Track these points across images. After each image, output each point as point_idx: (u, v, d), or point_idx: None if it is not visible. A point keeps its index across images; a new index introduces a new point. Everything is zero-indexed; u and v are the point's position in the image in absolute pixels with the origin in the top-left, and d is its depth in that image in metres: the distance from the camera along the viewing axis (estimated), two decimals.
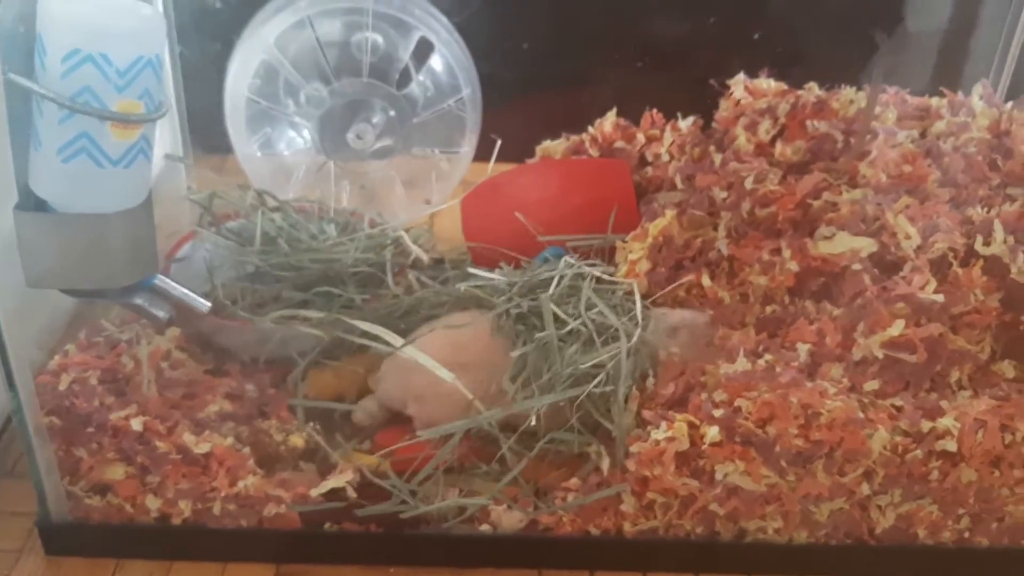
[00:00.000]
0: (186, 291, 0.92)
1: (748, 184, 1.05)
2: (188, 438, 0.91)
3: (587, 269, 1.03)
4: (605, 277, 1.03)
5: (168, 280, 0.92)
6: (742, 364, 0.94)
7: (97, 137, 0.79)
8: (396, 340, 0.95)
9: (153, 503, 0.93)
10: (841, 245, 0.99)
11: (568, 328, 0.95)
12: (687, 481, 0.91)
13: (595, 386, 0.91)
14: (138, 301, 0.90)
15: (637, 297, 1.01)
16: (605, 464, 0.93)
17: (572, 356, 0.93)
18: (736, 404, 0.90)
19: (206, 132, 1.36)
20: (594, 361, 0.91)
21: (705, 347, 0.99)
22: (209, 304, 0.93)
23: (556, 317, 0.95)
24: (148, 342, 0.98)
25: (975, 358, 0.97)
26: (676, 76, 1.41)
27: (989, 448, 0.90)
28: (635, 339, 0.96)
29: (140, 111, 0.80)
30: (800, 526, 0.95)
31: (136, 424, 0.90)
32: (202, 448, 0.91)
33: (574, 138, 1.29)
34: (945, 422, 0.90)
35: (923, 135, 1.13)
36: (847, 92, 1.15)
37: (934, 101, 1.18)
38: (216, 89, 1.30)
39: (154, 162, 0.85)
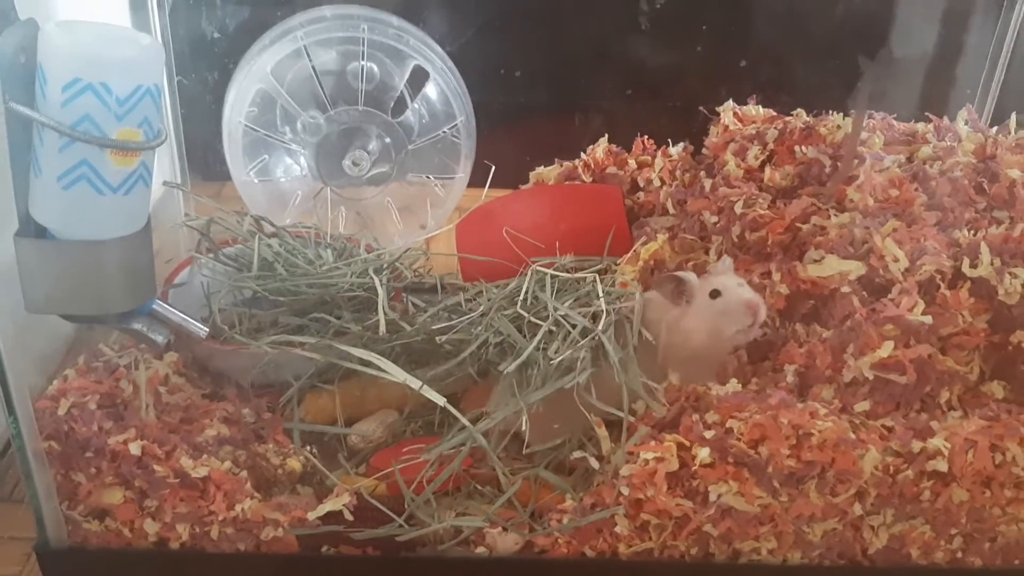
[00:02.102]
0: (184, 316, 0.93)
1: (738, 209, 1.06)
2: (186, 462, 0.91)
3: (547, 271, 1.04)
4: (565, 275, 1.04)
5: (166, 305, 0.93)
6: (732, 385, 0.95)
7: (97, 165, 0.81)
8: (388, 366, 0.96)
9: (151, 527, 0.93)
10: (830, 268, 1.01)
11: (539, 334, 0.96)
12: (681, 502, 0.92)
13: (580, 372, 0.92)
14: (137, 326, 0.91)
15: (598, 286, 1.02)
16: (595, 465, 0.94)
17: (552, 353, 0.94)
18: (728, 425, 0.91)
19: (204, 159, 1.37)
20: (562, 356, 0.92)
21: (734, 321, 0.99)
22: (207, 329, 0.94)
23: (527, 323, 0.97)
24: (146, 367, 0.99)
25: (964, 379, 0.98)
26: (666, 103, 1.44)
27: (980, 468, 0.91)
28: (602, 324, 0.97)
29: (139, 139, 0.82)
30: (794, 547, 0.96)
31: (134, 448, 0.90)
32: (200, 472, 0.91)
33: (567, 164, 1.31)
34: (935, 442, 0.91)
35: (910, 160, 1.15)
36: (834, 118, 1.18)
37: (920, 126, 1.20)
38: (214, 117, 1.32)
39: (152, 189, 0.87)
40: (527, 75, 1.50)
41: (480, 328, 0.99)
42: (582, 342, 0.94)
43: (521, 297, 1.00)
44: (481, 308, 1.02)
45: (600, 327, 0.95)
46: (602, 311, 0.97)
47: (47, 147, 0.80)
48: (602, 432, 0.95)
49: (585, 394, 0.93)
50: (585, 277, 1.03)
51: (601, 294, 1.00)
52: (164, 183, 1.23)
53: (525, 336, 0.97)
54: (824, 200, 1.05)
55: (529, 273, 1.03)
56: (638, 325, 0.99)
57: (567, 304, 0.99)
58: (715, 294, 0.98)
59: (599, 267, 1.08)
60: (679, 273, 1.00)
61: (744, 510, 0.92)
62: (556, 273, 1.03)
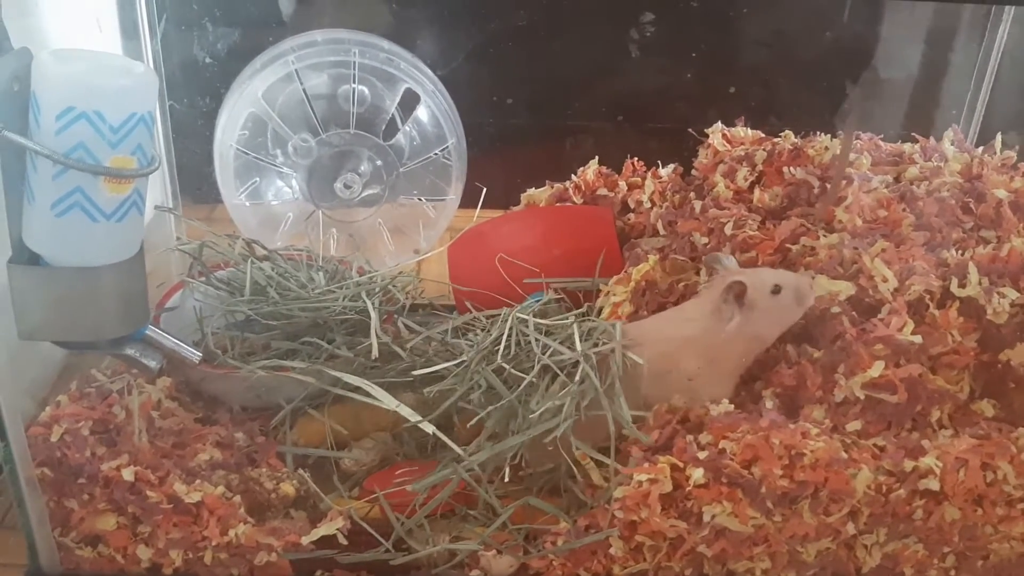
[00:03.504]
0: (177, 341, 0.93)
1: (728, 230, 1.07)
2: (179, 487, 0.91)
3: (525, 316, 1.03)
4: (547, 322, 1.03)
5: (159, 331, 0.93)
6: (725, 406, 0.96)
7: (90, 192, 0.81)
8: (378, 392, 0.96)
9: (144, 553, 0.93)
10: (820, 288, 1.01)
11: (525, 382, 0.95)
12: (675, 523, 0.92)
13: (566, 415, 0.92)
14: (130, 352, 0.91)
15: (576, 333, 1.00)
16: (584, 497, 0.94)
17: (540, 399, 0.94)
18: (721, 446, 0.91)
19: (196, 183, 1.38)
20: (544, 407, 0.92)
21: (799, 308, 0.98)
22: (200, 355, 0.94)
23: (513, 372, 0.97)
24: (139, 392, 0.99)
25: (955, 398, 0.99)
26: (656, 126, 1.45)
27: (971, 487, 0.92)
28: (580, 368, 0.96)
29: (133, 166, 0.82)
30: (788, 567, 0.96)
31: (127, 474, 0.90)
32: (193, 497, 0.91)
33: (558, 186, 1.32)
34: (927, 461, 0.91)
35: (897, 180, 1.16)
36: (822, 139, 1.19)
37: (907, 146, 1.22)
38: (206, 141, 1.32)
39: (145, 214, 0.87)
40: (518, 98, 1.51)
41: (465, 378, 0.99)
42: (562, 392, 0.94)
43: (502, 348, 0.99)
44: (464, 358, 1.01)
45: (578, 376, 0.95)
46: (584, 356, 0.97)
47: (41, 175, 0.80)
48: (589, 464, 0.95)
49: (571, 435, 0.93)
50: (567, 319, 1.02)
51: (579, 342, 0.98)
52: (156, 207, 1.23)
53: (510, 387, 0.96)
54: (813, 221, 1.06)
55: (510, 321, 1.01)
56: (620, 356, 0.98)
57: (549, 352, 0.98)
58: (777, 289, 0.97)
59: (580, 311, 1.07)
60: (739, 278, 0.97)
61: (738, 530, 0.92)
62: (539, 322, 1.02)
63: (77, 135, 0.79)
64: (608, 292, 1.12)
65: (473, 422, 0.97)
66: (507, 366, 0.97)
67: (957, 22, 1.38)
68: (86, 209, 0.82)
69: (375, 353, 1.02)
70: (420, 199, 1.38)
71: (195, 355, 0.94)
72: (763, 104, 1.32)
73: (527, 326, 1.01)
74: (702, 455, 0.91)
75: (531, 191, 1.33)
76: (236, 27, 1.39)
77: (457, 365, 1.00)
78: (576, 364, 0.96)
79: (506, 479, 0.93)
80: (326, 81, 1.33)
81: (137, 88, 0.82)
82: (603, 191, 1.29)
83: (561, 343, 0.98)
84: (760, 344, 1.00)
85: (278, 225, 1.39)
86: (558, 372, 0.96)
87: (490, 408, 0.95)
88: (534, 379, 0.96)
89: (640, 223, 1.24)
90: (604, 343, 0.98)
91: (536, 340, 0.99)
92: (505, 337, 1.00)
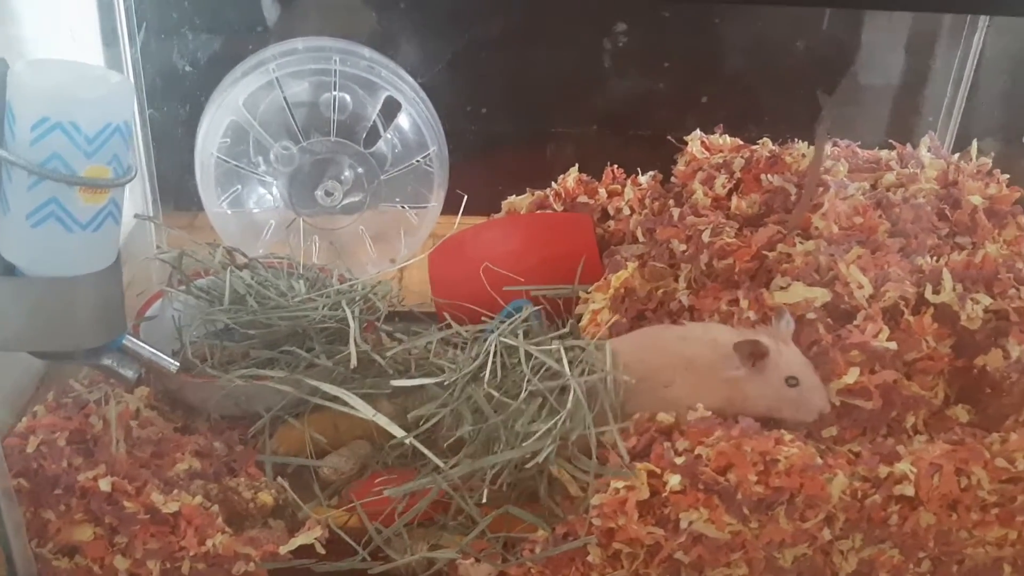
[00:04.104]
0: (154, 351, 0.93)
1: (705, 237, 1.08)
2: (156, 498, 0.91)
3: (511, 341, 1.03)
4: (533, 351, 1.03)
5: (136, 340, 0.92)
6: (701, 411, 0.96)
7: (66, 202, 0.81)
8: (355, 401, 0.96)
9: (121, 563, 0.92)
10: (796, 295, 1.02)
11: (513, 407, 0.96)
12: (652, 530, 0.92)
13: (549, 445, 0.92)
14: (107, 362, 0.91)
15: (564, 359, 1.00)
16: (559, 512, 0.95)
17: (526, 422, 0.95)
18: (697, 452, 0.92)
19: (177, 190, 1.38)
20: (536, 436, 0.93)
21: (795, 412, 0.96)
22: (177, 364, 0.94)
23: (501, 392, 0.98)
24: (117, 402, 0.98)
25: (929, 403, 1.00)
26: (636, 133, 1.45)
27: (946, 492, 0.92)
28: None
29: (109, 176, 0.82)
30: (765, 573, 0.96)
31: (104, 485, 0.90)
32: (170, 507, 0.91)
33: (539, 193, 1.32)
34: (902, 467, 0.92)
35: (874, 187, 1.17)
36: (799, 146, 1.19)
37: (884, 153, 1.23)
38: (187, 148, 1.32)
39: (124, 221, 0.87)
40: (500, 105, 1.52)
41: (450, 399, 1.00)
42: (551, 422, 0.94)
43: (487, 374, 0.99)
44: (446, 377, 1.01)
45: (569, 403, 0.95)
46: (572, 383, 0.97)
47: (16, 185, 0.80)
48: (565, 477, 0.95)
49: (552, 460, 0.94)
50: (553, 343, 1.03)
51: (567, 367, 0.98)
52: (136, 215, 1.23)
53: (495, 410, 0.97)
54: (789, 228, 1.06)
55: (494, 344, 1.02)
56: (610, 372, 0.99)
57: (538, 376, 0.99)
58: (793, 382, 0.95)
59: (565, 331, 1.08)
60: (761, 338, 0.96)
61: (715, 537, 0.93)
62: (528, 348, 1.02)
63: (52, 145, 0.79)
64: (588, 299, 1.13)
65: (454, 438, 0.97)
66: (495, 393, 0.97)
67: (934, 29, 1.39)
68: (62, 219, 0.81)
69: (354, 362, 1.02)
70: (403, 207, 1.39)
71: (172, 365, 0.94)
72: (742, 112, 1.32)
73: (514, 344, 1.01)
74: (679, 460, 0.92)
75: (512, 198, 1.33)
76: (217, 35, 1.39)
77: (440, 385, 1.00)
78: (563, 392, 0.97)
79: (483, 500, 0.94)
80: (307, 89, 1.33)
81: (112, 98, 0.81)
82: (583, 198, 1.29)
83: (547, 368, 0.98)
84: (739, 408, 0.97)
85: (260, 233, 1.39)
86: (547, 396, 0.97)
87: (470, 428, 0.96)
88: (523, 407, 0.96)
89: (620, 230, 1.24)
90: (591, 365, 0.98)
91: (523, 360, 0.99)
92: (491, 362, 1.00)
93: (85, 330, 0.87)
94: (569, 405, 0.95)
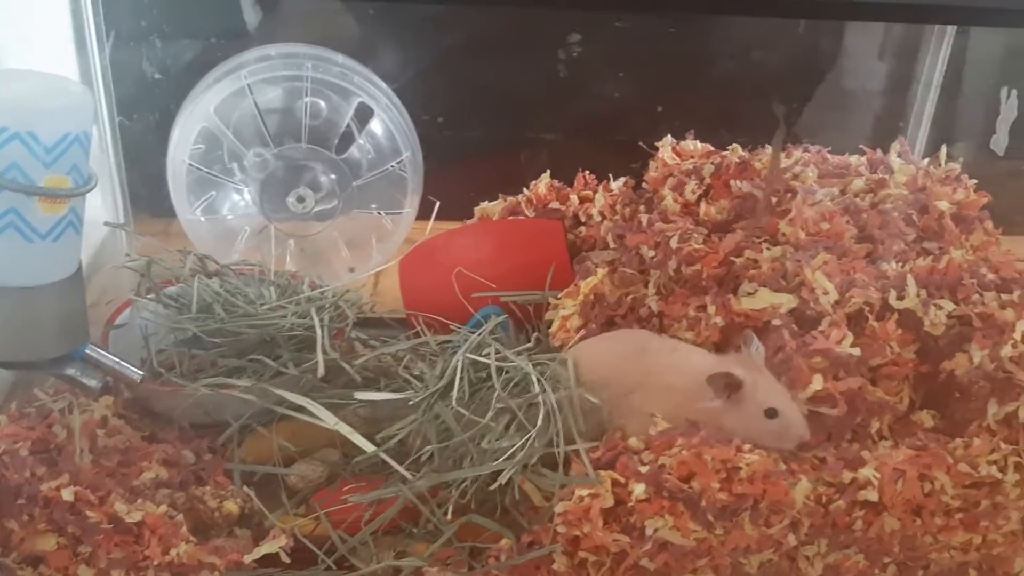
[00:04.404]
0: (118, 360, 0.93)
1: (674, 243, 1.08)
2: (120, 507, 0.90)
3: (478, 358, 1.03)
4: (505, 362, 1.03)
5: (99, 350, 0.92)
6: (663, 423, 0.97)
7: (25, 212, 0.81)
8: (323, 412, 0.96)
9: (85, 573, 0.92)
10: (762, 301, 1.02)
11: (480, 425, 0.96)
12: (617, 537, 0.92)
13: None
14: (70, 372, 0.91)
15: (533, 375, 1.01)
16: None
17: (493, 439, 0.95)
18: (660, 461, 0.92)
19: (154, 198, 1.37)
20: (507, 455, 0.94)
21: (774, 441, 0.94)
22: (141, 373, 0.94)
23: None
24: (81, 411, 0.98)
25: (894, 409, 1.00)
26: (609, 139, 1.46)
27: (909, 497, 0.93)
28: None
29: (68, 186, 0.82)
30: None
31: (67, 494, 0.89)
32: (134, 517, 0.90)
33: (511, 199, 1.32)
34: (865, 472, 0.92)
35: (843, 192, 1.17)
36: (769, 152, 1.20)
37: (854, 159, 1.23)
38: (163, 156, 1.32)
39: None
40: (473, 111, 1.52)
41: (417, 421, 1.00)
42: (519, 441, 0.95)
43: (456, 392, 0.99)
44: (412, 394, 1.02)
45: (539, 422, 0.96)
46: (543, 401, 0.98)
47: None
48: (530, 487, 0.96)
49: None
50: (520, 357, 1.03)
51: (536, 386, 0.99)
52: (105, 223, 1.23)
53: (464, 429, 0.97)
54: (747, 235, 1.06)
55: (460, 365, 1.02)
56: (576, 389, 0.99)
57: (507, 391, 0.99)
58: (772, 413, 0.94)
59: (529, 346, 1.08)
60: (735, 371, 0.94)
61: (680, 544, 0.93)
62: (498, 364, 1.02)
63: (10, 155, 0.79)
64: (557, 305, 1.13)
65: (423, 452, 0.98)
66: (464, 412, 0.97)
67: (905, 35, 1.40)
68: (21, 230, 0.81)
69: (321, 371, 1.02)
70: (380, 213, 1.39)
71: (136, 374, 0.94)
72: (714, 118, 1.32)
73: (481, 361, 1.02)
74: (644, 469, 0.92)
75: (484, 204, 1.33)
76: (189, 41, 1.39)
77: (407, 403, 1.01)
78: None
79: (448, 515, 0.94)
80: (281, 95, 1.33)
81: (71, 108, 0.81)
82: (555, 204, 1.29)
83: (517, 383, 0.99)
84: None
85: (234, 239, 1.39)
86: (516, 412, 0.97)
87: (437, 446, 0.96)
88: (492, 423, 0.96)
89: (591, 236, 1.24)
90: (556, 381, 0.99)
91: (494, 375, 1.00)
92: (458, 379, 1.00)
93: (46, 340, 0.87)
94: (539, 423, 0.96)
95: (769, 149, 1.22)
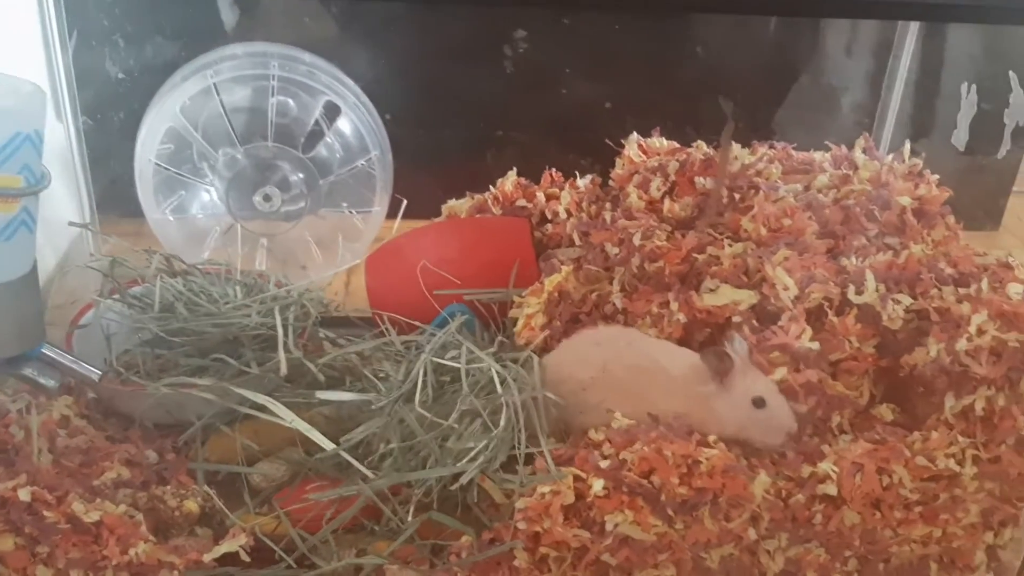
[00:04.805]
0: (75, 359, 0.93)
1: (636, 240, 1.08)
2: (78, 507, 0.90)
3: (441, 360, 1.04)
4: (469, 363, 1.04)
5: (57, 349, 0.92)
6: (625, 419, 0.97)
7: None
8: (283, 411, 0.96)
9: (44, 573, 0.91)
10: (724, 297, 1.03)
11: (443, 427, 0.97)
12: (578, 532, 0.93)
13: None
14: (27, 371, 0.91)
15: (496, 377, 1.01)
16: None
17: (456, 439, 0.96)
18: (621, 456, 0.92)
19: (124, 198, 1.37)
20: (469, 456, 0.94)
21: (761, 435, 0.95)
22: (99, 372, 0.94)
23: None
24: (40, 412, 0.98)
25: (854, 403, 1.01)
26: (578, 136, 1.46)
27: (868, 491, 0.93)
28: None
29: (20, 185, 0.82)
30: (693, 574, 0.96)
31: (24, 495, 0.89)
32: (92, 517, 0.90)
33: (478, 197, 1.32)
34: (824, 466, 0.93)
35: (808, 189, 1.18)
36: (734, 149, 1.20)
37: (819, 155, 1.23)
38: (132, 155, 1.32)
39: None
40: (442, 109, 1.52)
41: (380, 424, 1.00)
42: (483, 442, 0.95)
43: (419, 393, 1.00)
44: (375, 401, 1.01)
45: (502, 423, 0.96)
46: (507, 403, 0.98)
47: None
48: (490, 485, 0.96)
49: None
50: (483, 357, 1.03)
51: (500, 387, 0.99)
52: (70, 223, 1.22)
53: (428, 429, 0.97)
54: (698, 229, 1.07)
55: (422, 366, 1.02)
56: (541, 390, 1.00)
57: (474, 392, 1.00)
58: (760, 403, 0.94)
59: (492, 350, 1.07)
60: (728, 350, 0.94)
61: (641, 538, 0.93)
62: (460, 366, 1.02)
63: None
64: (522, 303, 1.13)
65: (387, 451, 0.98)
66: (427, 414, 0.97)
67: (870, 32, 1.40)
68: None
69: (283, 370, 1.02)
70: (351, 212, 1.38)
71: (95, 373, 0.94)
72: (679, 114, 1.32)
73: (446, 360, 1.02)
74: (604, 464, 0.92)
75: (452, 202, 1.33)
76: (156, 40, 1.38)
77: (369, 406, 1.01)
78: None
79: (410, 516, 0.94)
80: (250, 94, 1.33)
81: (22, 108, 0.81)
82: (522, 202, 1.29)
83: (483, 387, 0.99)
84: (709, 426, 0.95)
85: (204, 239, 1.38)
86: (480, 413, 0.97)
87: (400, 445, 0.97)
88: (455, 425, 0.97)
89: (557, 234, 1.24)
90: (522, 382, 0.99)
91: (463, 376, 1.00)
92: (421, 382, 1.00)
93: (1, 340, 0.86)
94: (502, 424, 0.96)
95: (735, 146, 1.22)
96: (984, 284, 0.97)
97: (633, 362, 1.00)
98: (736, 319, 1.00)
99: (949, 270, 1.01)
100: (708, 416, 0.96)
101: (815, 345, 0.97)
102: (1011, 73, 1.22)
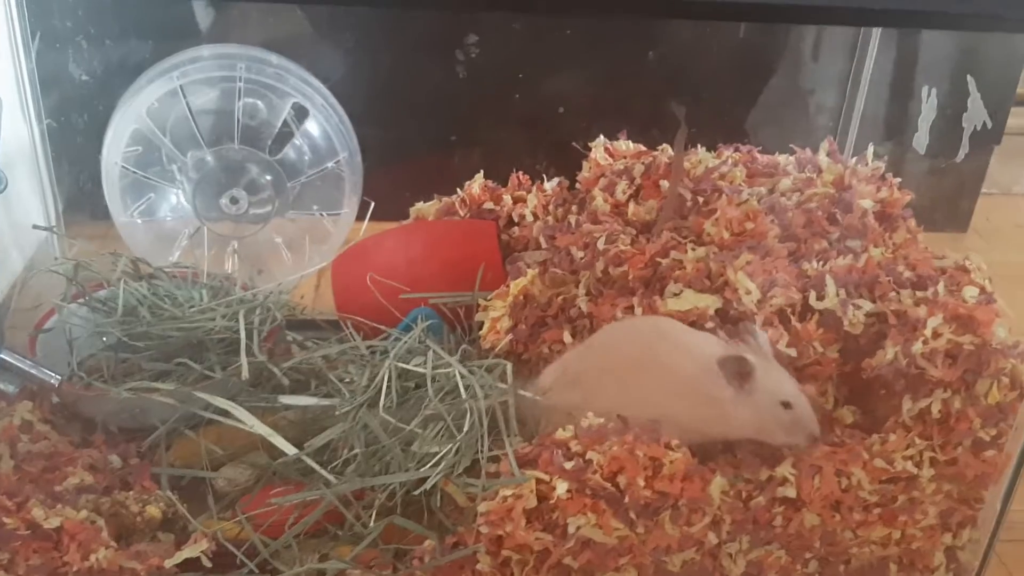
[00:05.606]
0: (34, 364, 0.92)
1: (600, 245, 1.09)
2: (38, 513, 0.90)
3: (407, 366, 1.04)
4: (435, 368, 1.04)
5: (15, 354, 0.92)
6: (594, 419, 0.97)
7: None
8: (245, 415, 0.96)
9: None
10: (688, 302, 1.03)
11: (406, 431, 0.97)
12: (540, 535, 0.93)
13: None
14: None
15: (460, 384, 1.02)
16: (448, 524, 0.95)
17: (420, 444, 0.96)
18: (588, 456, 0.92)
19: (93, 201, 1.36)
20: (432, 461, 0.94)
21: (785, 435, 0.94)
22: (59, 377, 0.93)
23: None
24: None
25: (821, 407, 1.01)
26: (546, 139, 1.46)
27: (827, 493, 0.94)
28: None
29: None
30: None
31: None
32: (52, 523, 0.90)
33: (446, 200, 1.32)
34: (782, 469, 0.94)
35: (771, 192, 1.18)
36: (699, 152, 1.21)
37: (783, 158, 1.24)
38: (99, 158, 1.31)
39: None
40: (411, 111, 1.52)
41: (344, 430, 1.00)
42: (448, 446, 0.95)
43: (383, 398, 1.00)
44: (339, 406, 1.01)
45: (467, 427, 0.97)
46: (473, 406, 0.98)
47: None
48: (453, 488, 0.96)
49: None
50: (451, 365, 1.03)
51: (464, 391, 1.00)
52: (34, 226, 1.21)
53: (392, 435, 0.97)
54: (655, 231, 1.07)
55: (388, 370, 1.02)
56: (511, 391, 1.00)
57: (439, 397, 1.00)
58: (787, 406, 0.93)
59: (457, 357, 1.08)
60: (747, 355, 0.93)
61: (603, 541, 0.94)
62: (425, 370, 1.03)
63: None
64: (487, 307, 1.13)
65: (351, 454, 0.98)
66: (391, 420, 0.97)
67: (834, 36, 1.41)
68: None
69: (245, 374, 1.02)
70: (322, 215, 1.38)
71: (54, 378, 0.93)
72: (647, 117, 1.33)
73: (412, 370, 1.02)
74: (568, 465, 0.92)
75: (420, 205, 1.33)
76: (122, 41, 1.38)
77: (334, 411, 1.01)
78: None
79: (372, 521, 0.94)
80: (217, 96, 1.32)
81: None
82: (489, 205, 1.29)
83: (449, 392, 0.99)
84: (728, 429, 0.95)
85: (173, 242, 1.38)
86: (444, 418, 0.97)
87: (365, 450, 0.97)
88: (419, 430, 0.97)
89: (524, 236, 1.24)
90: (489, 385, 1.00)
91: (428, 381, 1.01)
92: (384, 388, 1.00)
93: None
94: (465, 429, 0.96)
95: (700, 150, 1.23)
96: (941, 287, 0.99)
97: (656, 358, 0.99)
98: (709, 325, 1.01)
99: (908, 273, 1.02)
100: (724, 419, 0.95)
101: (792, 352, 0.98)
102: (969, 77, 1.24)
